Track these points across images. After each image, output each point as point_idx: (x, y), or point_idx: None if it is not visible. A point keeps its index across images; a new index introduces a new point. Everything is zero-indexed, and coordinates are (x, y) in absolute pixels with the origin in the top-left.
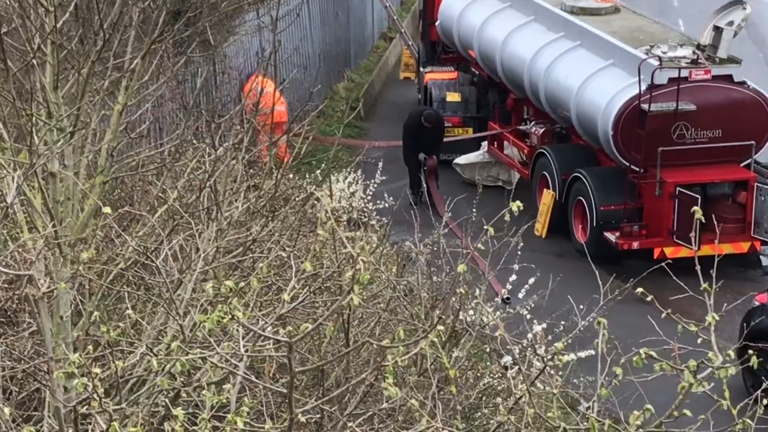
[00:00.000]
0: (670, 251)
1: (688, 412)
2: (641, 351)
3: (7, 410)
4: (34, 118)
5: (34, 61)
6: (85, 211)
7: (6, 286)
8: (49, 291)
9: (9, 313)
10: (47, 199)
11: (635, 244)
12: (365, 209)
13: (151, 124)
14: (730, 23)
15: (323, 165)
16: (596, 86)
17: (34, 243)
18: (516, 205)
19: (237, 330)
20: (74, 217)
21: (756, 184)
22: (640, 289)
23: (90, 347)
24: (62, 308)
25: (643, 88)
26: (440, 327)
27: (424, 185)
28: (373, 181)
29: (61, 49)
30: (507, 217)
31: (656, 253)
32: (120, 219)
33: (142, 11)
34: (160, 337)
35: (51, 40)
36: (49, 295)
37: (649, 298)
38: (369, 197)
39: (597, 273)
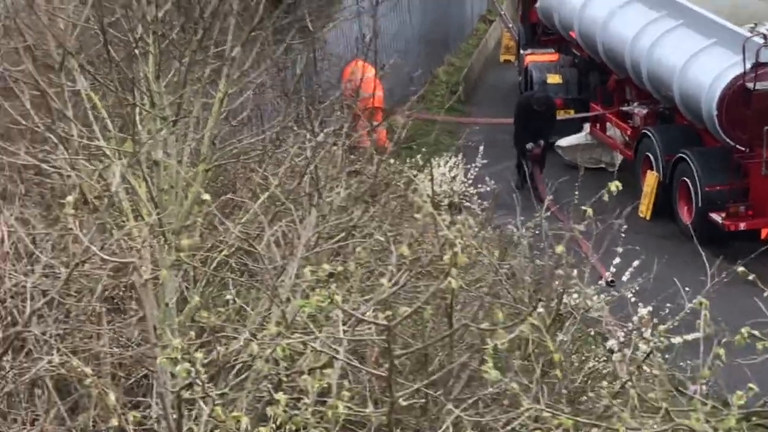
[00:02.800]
0: None
1: None
2: (743, 330)
3: (112, 396)
4: (137, 108)
5: (137, 51)
6: (189, 198)
7: (112, 273)
8: (152, 278)
9: (116, 300)
10: (151, 187)
11: (742, 225)
12: (466, 193)
13: (252, 112)
14: None
15: (423, 149)
16: (700, 65)
17: (139, 231)
18: (615, 185)
19: (337, 315)
20: (178, 204)
21: None
22: (741, 269)
23: (193, 333)
24: (167, 295)
25: (748, 66)
26: (540, 309)
27: (528, 170)
28: (474, 164)
29: (163, 38)
30: (606, 198)
31: (764, 233)
32: (223, 206)
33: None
34: (264, 324)
35: (153, 30)
36: (155, 282)
37: (750, 277)
38: (470, 181)
39: (703, 254)
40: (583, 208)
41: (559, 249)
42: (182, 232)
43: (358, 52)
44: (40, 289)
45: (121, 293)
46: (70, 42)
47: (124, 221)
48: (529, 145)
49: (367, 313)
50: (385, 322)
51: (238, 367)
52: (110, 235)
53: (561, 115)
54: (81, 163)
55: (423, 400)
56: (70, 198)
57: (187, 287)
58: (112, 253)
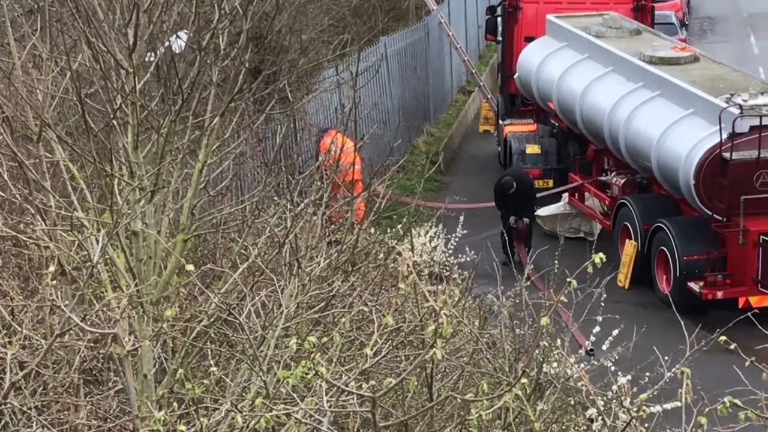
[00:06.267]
0: (755, 300)
1: None
2: (725, 399)
3: None
4: (116, 179)
5: (115, 122)
6: (168, 269)
7: (91, 345)
8: (133, 349)
9: (94, 371)
10: (130, 258)
11: (719, 294)
12: (447, 263)
13: (231, 182)
14: None
15: (404, 219)
16: (677, 136)
17: (118, 302)
18: (599, 257)
19: (320, 385)
20: (157, 275)
21: None
22: (723, 338)
23: (174, 404)
24: (146, 366)
25: (725, 136)
26: (524, 380)
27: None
28: (454, 234)
29: (142, 109)
30: (590, 269)
31: (741, 302)
32: (202, 276)
33: (221, 70)
34: (244, 394)
35: (131, 100)
36: (134, 354)
37: (732, 347)
38: (450, 251)
39: (682, 323)
40: (568, 279)
41: (544, 321)
42: (161, 303)
43: (337, 123)
44: (18, 361)
45: (99, 365)
46: (48, 113)
47: (103, 292)
48: (512, 220)
49: (350, 384)
50: (370, 394)
51: None
52: (89, 306)
53: (541, 186)
54: (59, 234)
55: None
56: (51, 268)
57: (165, 358)
58: (91, 324)
